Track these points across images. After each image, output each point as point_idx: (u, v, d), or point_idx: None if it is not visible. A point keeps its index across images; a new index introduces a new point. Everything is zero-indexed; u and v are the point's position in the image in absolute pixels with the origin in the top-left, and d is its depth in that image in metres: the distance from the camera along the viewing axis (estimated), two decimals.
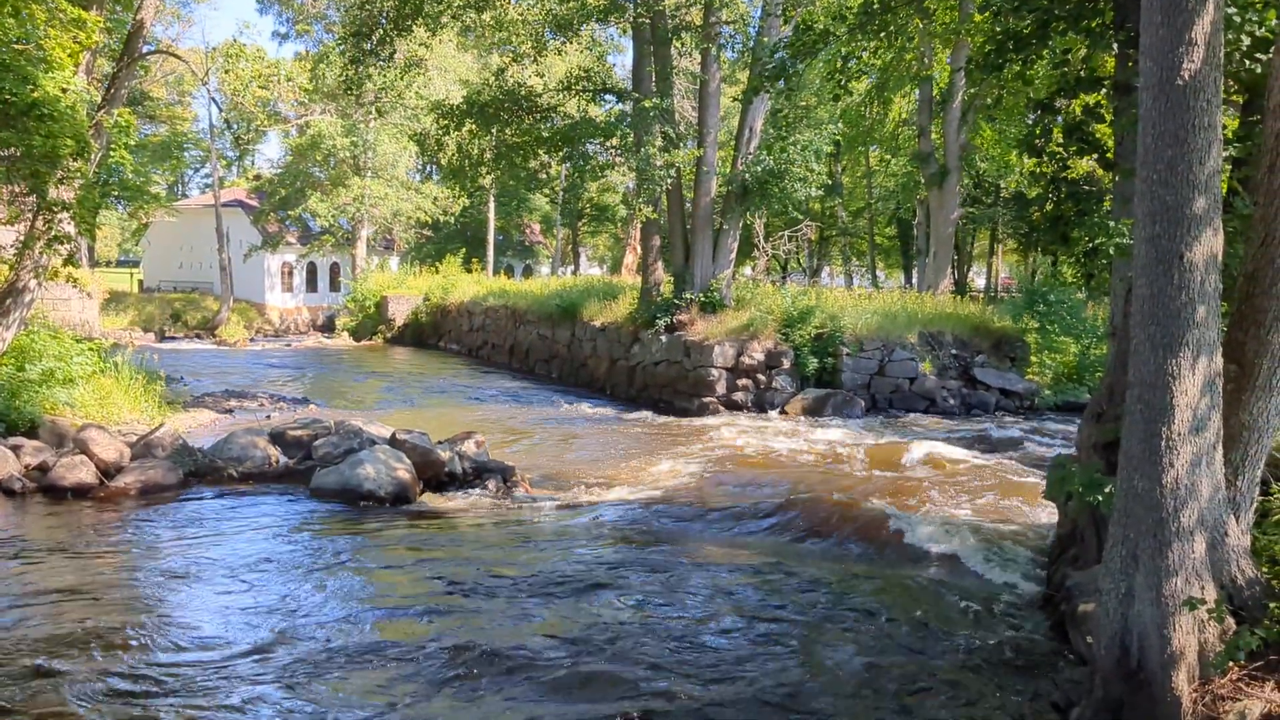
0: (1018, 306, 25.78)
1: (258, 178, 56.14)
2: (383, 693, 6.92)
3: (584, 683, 7.16)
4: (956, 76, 29.47)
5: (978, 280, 61.39)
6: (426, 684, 7.09)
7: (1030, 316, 24.47)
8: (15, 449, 13.48)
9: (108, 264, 77.11)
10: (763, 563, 10.37)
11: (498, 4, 23.02)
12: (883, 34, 13.38)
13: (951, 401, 22.33)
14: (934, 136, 32.75)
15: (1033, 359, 23.33)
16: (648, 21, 22.80)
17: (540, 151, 24.47)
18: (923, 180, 34.64)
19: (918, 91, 34.53)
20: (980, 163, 36.82)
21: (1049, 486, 8.69)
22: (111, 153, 17.66)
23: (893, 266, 62.11)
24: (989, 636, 8.28)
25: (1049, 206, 9.47)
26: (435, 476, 13.71)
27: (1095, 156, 9.29)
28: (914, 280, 46.74)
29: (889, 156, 46.00)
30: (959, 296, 30.69)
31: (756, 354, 22.15)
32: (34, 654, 7.43)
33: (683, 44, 23.81)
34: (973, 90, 29.56)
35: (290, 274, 52.18)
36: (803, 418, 20.79)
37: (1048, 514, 11.30)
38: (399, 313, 43.50)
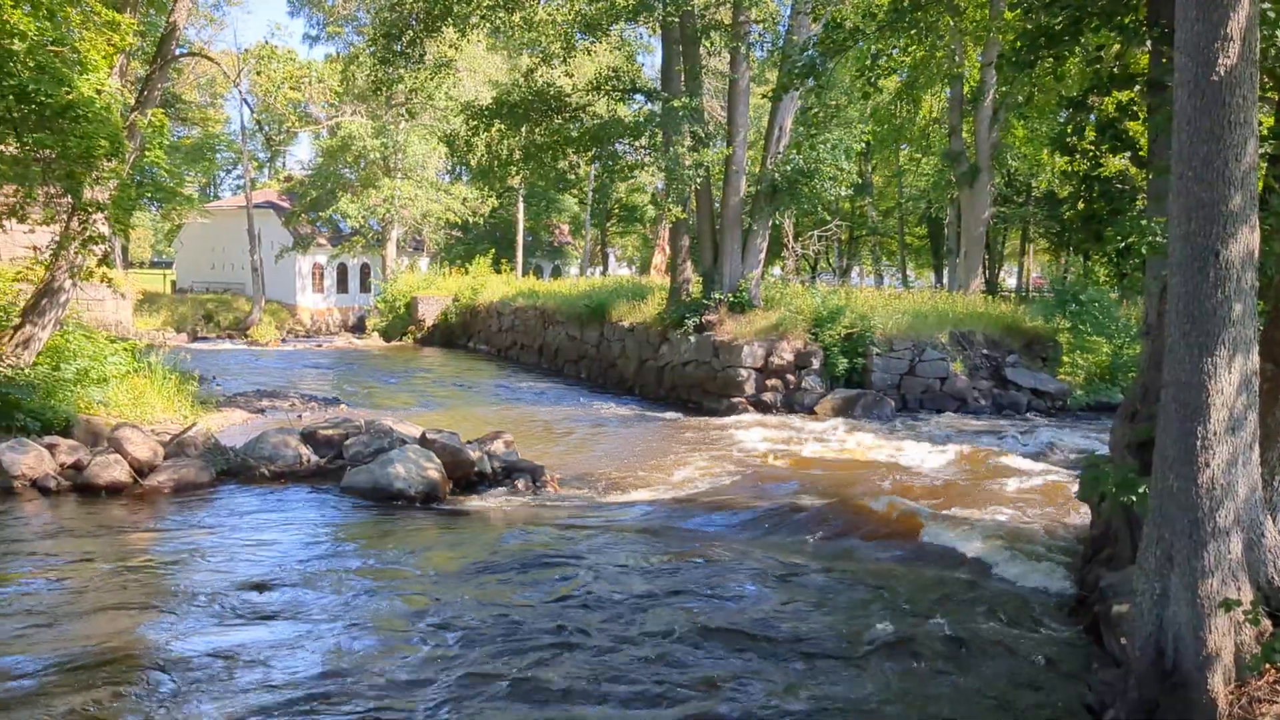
0: (1050, 306, 25.58)
1: (289, 179, 56.55)
2: (416, 687, 6.94)
3: (617, 682, 7.16)
4: (987, 74, 29.31)
5: (1009, 280, 61.01)
6: (461, 679, 7.10)
7: (1062, 316, 24.27)
8: (51, 448, 13.63)
9: (141, 265, 77.96)
10: (792, 563, 10.33)
11: (527, 4, 23.06)
12: (913, 31, 13.32)
13: (983, 402, 22.18)
14: (965, 135, 32.57)
15: (1065, 359, 23.14)
16: (677, 21, 22.78)
17: (569, 151, 24.50)
18: (954, 179, 34.45)
19: (948, 90, 34.37)
20: (1012, 161, 36.58)
21: (1082, 487, 8.61)
22: (145, 154, 17.83)
23: (923, 266, 61.84)
24: (1021, 638, 8.21)
25: (1081, 205, 9.38)
26: (465, 476, 13.75)
27: (1128, 154, 9.20)
28: (945, 280, 46.47)
29: (919, 155, 45.79)
30: (990, 296, 30.51)
31: (785, 354, 22.08)
32: (69, 649, 7.51)
33: (712, 43, 23.77)
34: (1004, 88, 29.39)
35: (321, 275, 52.54)
36: (832, 418, 20.70)
37: (1081, 515, 11.20)
38: (429, 313, 43.70)
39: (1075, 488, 10.39)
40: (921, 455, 16.17)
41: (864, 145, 35.67)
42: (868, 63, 13.70)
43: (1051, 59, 9.57)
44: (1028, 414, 21.95)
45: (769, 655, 7.73)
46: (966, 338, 23.15)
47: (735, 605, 8.86)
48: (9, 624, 8.02)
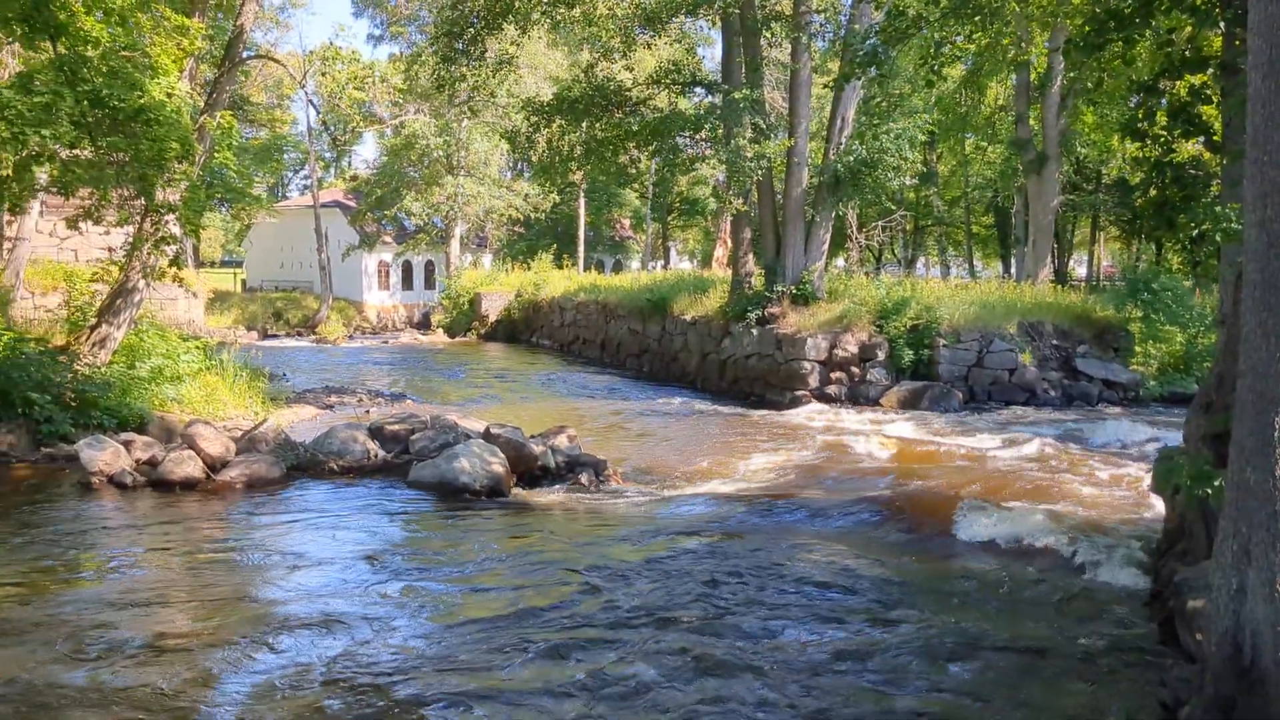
0: (1121, 295, 25.07)
1: (354, 178, 57.31)
2: (483, 677, 7.00)
3: (667, 680, 7.16)
4: (1055, 59, 28.79)
5: (1079, 269, 59.94)
6: (530, 671, 7.15)
7: (1134, 305, 23.78)
8: (127, 444, 13.95)
9: (212, 264, 79.43)
10: (860, 556, 10.25)
11: (587, 0, 23.12)
12: (977, 18, 13.13)
13: (1052, 393, 21.82)
14: (1032, 122, 32.06)
15: (1137, 349, 22.68)
16: (737, 12, 22.69)
17: (630, 146, 24.53)
18: (1021, 167, 33.94)
19: (1014, 76, 33.82)
20: (1081, 148, 35.95)
21: (1156, 479, 8.44)
22: (215, 155, 18.16)
23: (990, 256, 60.98)
24: (1094, 633, 8.07)
25: (1153, 192, 9.18)
26: (528, 470, 13.83)
27: (1201, 139, 8.99)
28: (1012, 270, 45.81)
29: (985, 144, 45.15)
30: (1059, 286, 30.01)
31: (850, 346, 21.91)
32: (152, 636, 7.69)
33: (773, 34, 23.62)
34: (1072, 74, 28.86)
35: (387, 272, 53.16)
36: (898, 410, 20.50)
37: (1155, 508, 10.98)
38: (492, 309, 44.00)
39: (1149, 480, 10.18)
40: (990, 448, 15.95)
41: (928, 134, 35.28)
42: (931, 50, 13.52)
43: (1121, 43, 9.35)
44: (1099, 405, 21.57)
45: (838, 654, 7.68)
46: (1035, 328, 22.78)
47: (805, 604, 8.80)
48: (95, 612, 8.22)
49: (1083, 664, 7.49)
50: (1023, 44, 29.35)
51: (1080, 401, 21.70)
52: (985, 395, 21.68)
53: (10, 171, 14.78)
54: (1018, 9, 15.11)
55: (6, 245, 27.27)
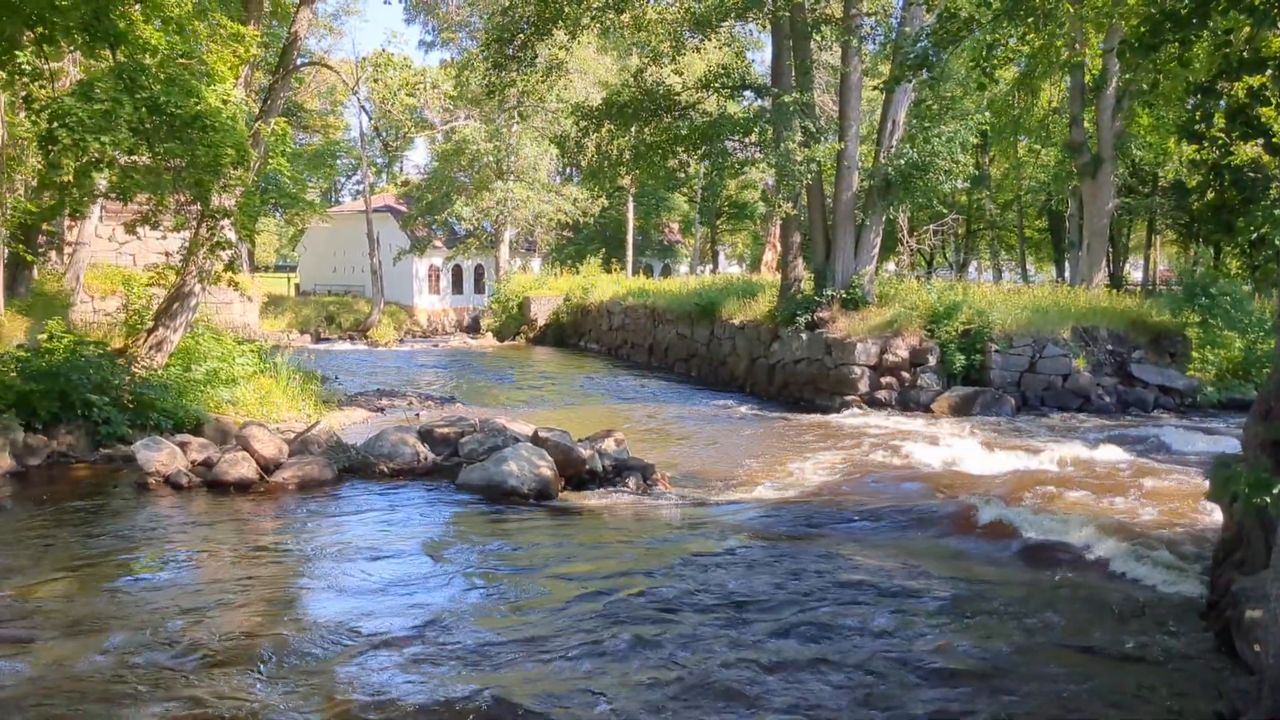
0: (1177, 300, 24.67)
1: (406, 183, 57.82)
2: (530, 681, 7.02)
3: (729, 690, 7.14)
4: (1110, 61, 28.39)
5: (1134, 273, 59.02)
6: (577, 672, 7.17)
7: (1191, 310, 23.39)
8: (183, 445, 14.18)
9: (266, 269, 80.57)
10: (914, 563, 10.16)
11: (637, 4, 23.17)
12: (1030, 19, 12.96)
13: (1107, 399, 21.51)
14: (1086, 124, 31.63)
15: (1194, 354, 22.30)
16: (787, 16, 22.63)
17: (679, 150, 24.54)
18: (1075, 170, 33.49)
19: (1068, 78, 33.39)
20: (1136, 151, 35.35)
21: (1213, 487, 8.28)
22: (269, 161, 18.40)
23: (1044, 260, 60.22)
24: (1149, 643, 7.95)
25: (1211, 195, 9.01)
26: (576, 474, 13.85)
27: (1260, 141, 8.80)
28: (1066, 274, 45.22)
29: (1039, 146, 44.60)
30: (1114, 290, 29.56)
31: (900, 351, 21.75)
32: (209, 635, 7.80)
33: (823, 37, 23.53)
34: (1127, 75, 28.45)
35: (437, 276, 53.61)
36: (949, 416, 20.31)
37: (1212, 516, 10.78)
38: (541, 313, 44.20)
39: (1206, 488, 10.00)
40: (1043, 454, 15.74)
41: (980, 137, 34.93)
42: (983, 53, 13.36)
43: (1178, 43, 9.19)
44: (1155, 412, 21.23)
45: (887, 659, 7.62)
46: (1090, 333, 22.47)
47: (860, 609, 8.72)
48: (152, 609, 8.36)
49: (1138, 673, 7.38)
50: (1077, 45, 29.00)
51: (1135, 408, 21.38)
52: (1038, 401, 21.42)
53: (71, 177, 15.08)
54: (1072, 10, 14.94)
55: (67, 250, 27.86)
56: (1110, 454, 15.68)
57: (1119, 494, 12.70)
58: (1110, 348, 22.34)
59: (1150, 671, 7.41)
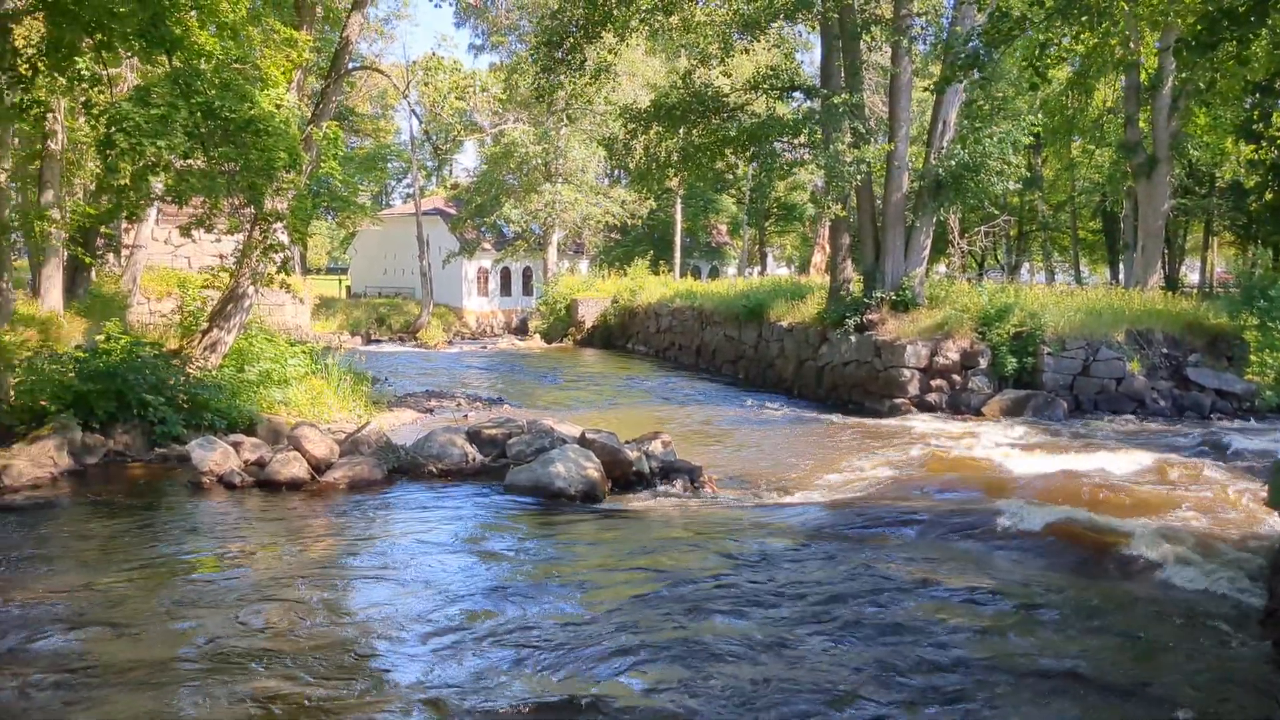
0: (1235, 302, 24.16)
1: (455, 186, 58.21)
2: (578, 679, 7.03)
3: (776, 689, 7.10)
4: (1165, 60, 27.95)
5: (1191, 275, 58.01)
6: (628, 672, 7.16)
7: (1249, 313, 22.89)
8: (236, 445, 14.38)
9: (318, 271, 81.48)
10: (962, 569, 10.05)
11: (685, 6, 23.14)
12: (1084, 18, 12.79)
13: (1162, 403, 21.15)
14: (1141, 124, 31.13)
15: (1252, 358, 21.77)
16: (836, 16, 22.51)
17: (727, 152, 24.51)
18: (1130, 171, 32.98)
19: (1123, 78, 32.91)
20: (1193, 151, 34.76)
21: (1272, 493, 8.13)
22: (321, 165, 18.60)
23: (1097, 262, 59.37)
24: (1207, 650, 7.80)
25: (1269, 195, 8.87)
26: (623, 475, 13.85)
27: None
28: (1120, 276, 44.53)
29: (1093, 147, 44.00)
30: (1170, 292, 29.05)
31: (951, 353, 21.54)
32: (265, 632, 7.90)
33: (872, 38, 23.38)
34: (1184, 74, 27.95)
35: (486, 279, 53.90)
36: (1001, 419, 20.07)
37: (1270, 523, 10.57)
38: (588, 315, 44.30)
39: (1264, 494, 9.80)
40: (1097, 458, 15.50)
41: (1033, 137, 34.52)
42: (1036, 52, 13.21)
43: (1235, 42, 9.03)
44: (1211, 416, 20.85)
45: (934, 669, 7.54)
46: (1144, 336, 22.11)
47: (903, 615, 8.64)
48: (208, 605, 8.48)
49: (1194, 680, 7.24)
50: (1132, 44, 28.60)
51: (1191, 412, 21.00)
52: (1091, 405, 21.11)
53: (128, 181, 15.34)
54: (1127, 8, 14.71)
55: (125, 252, 28.36)
56: (1165, 458, 15.40)
57: (1175, 499, 12.48)
58: (1166, 351, 21.97)
59: (1207, 678, 7.28)
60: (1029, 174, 43.32)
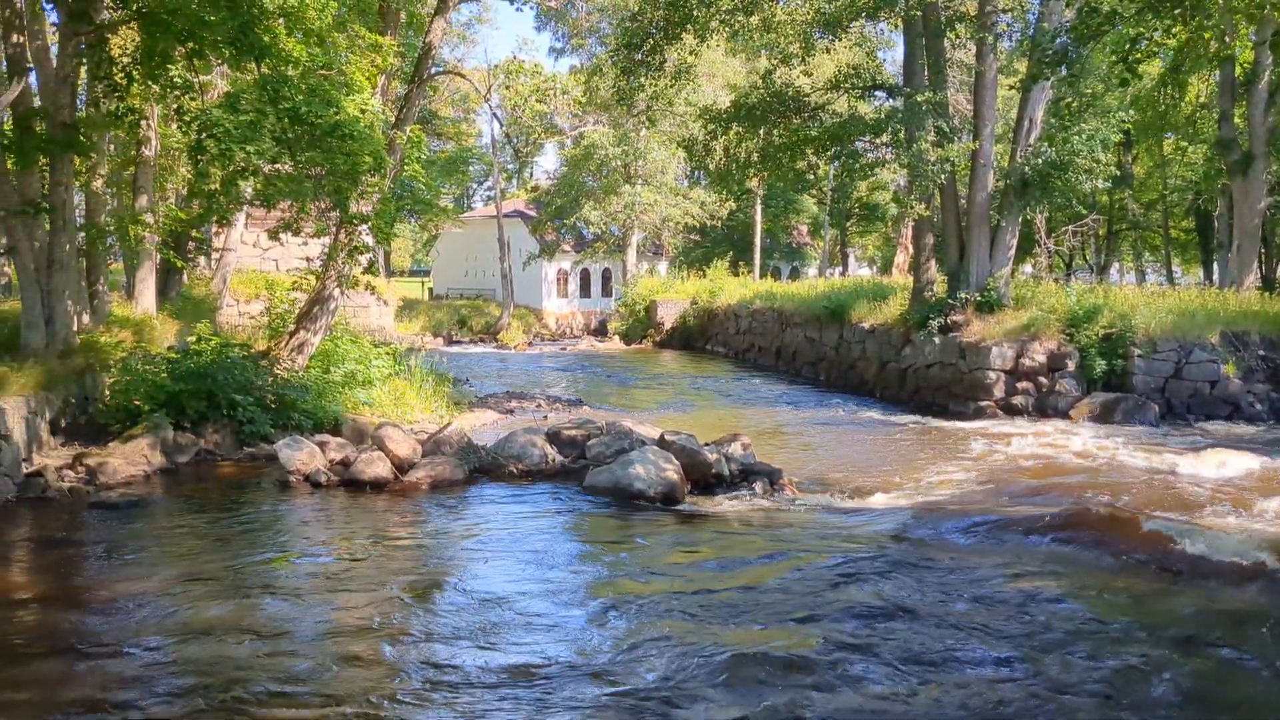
0: None
1: (535, 189, 58.68)
2: (657, 688, 7.01)
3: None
4: (1262, 53, 27.10)
5: None
6: (713, 679, 7.12)
7: None
8: (322, 445, 14.62)
9: (401, 273, 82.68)
10: (1053, 578, 9.74)
11: (766, 6, 23.01)
12: (1177, 11, 12.44)
13: (1259, 407, 20.46)
14: (1237, 120, 30.21)
15: None
16: (919, 14, 22.19)
17: (808, 152, 24.30)
18: (1224, 168, 32.03)
19: (1218, 72, 31.97)
20: None
21: None
22: (405, 168, 18.86)
23: (1190, 262, 57.77)
24: None
25: None
26: (702, 478, 13.78)
27: None
28: (1214, 276, 43.28)
29: (1186, 143, 42.84)
30: (1267, 293, 28.14)
31: (1038, 355, 21.10)
32: (355, 630, 8.03)
33: (957, 35, 23.00)
34: None
35: (565, 280, 54.24)
36: (1089, 423, 19.60)
37: None
38: (667, 316, 44.30)
39: None
40: (1190, 463, 15.05)
41: (1123, 134, 33.72)
42: (1126, 47, 12.90)
43: None
44: None
45: (1030, 674, 7.37)
46: (1240, 338, 21.41)
47: (1009, 624, 8.39)
48: (296, 602, 8.65)
49: None
50: (1227, 37, 27.76)
51: None
52: (1184, 409, 20.51)
53: (219, 186, 15.71)
54: (1221, 1, 14.28)
55: (215, 256, 29.06)
56: (1264, 464, 14.92)
57: (1273, 506, 12.07)
58: (1262, 353, 21.24)
59: None
60: (1119, 172, 42.28)
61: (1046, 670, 7.36)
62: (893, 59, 57.00)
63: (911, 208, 23.63)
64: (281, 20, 14.56)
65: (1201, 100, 38.89)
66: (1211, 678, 7.37)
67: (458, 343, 45.76)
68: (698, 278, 46.43)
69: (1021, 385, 21.14)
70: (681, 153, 38.04)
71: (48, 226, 15.61)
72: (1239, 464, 14.87)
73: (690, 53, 24.18)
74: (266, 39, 13.98)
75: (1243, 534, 10.69)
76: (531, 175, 73.86)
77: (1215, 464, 14.91)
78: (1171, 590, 9.45)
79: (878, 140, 23.50)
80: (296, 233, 17.72)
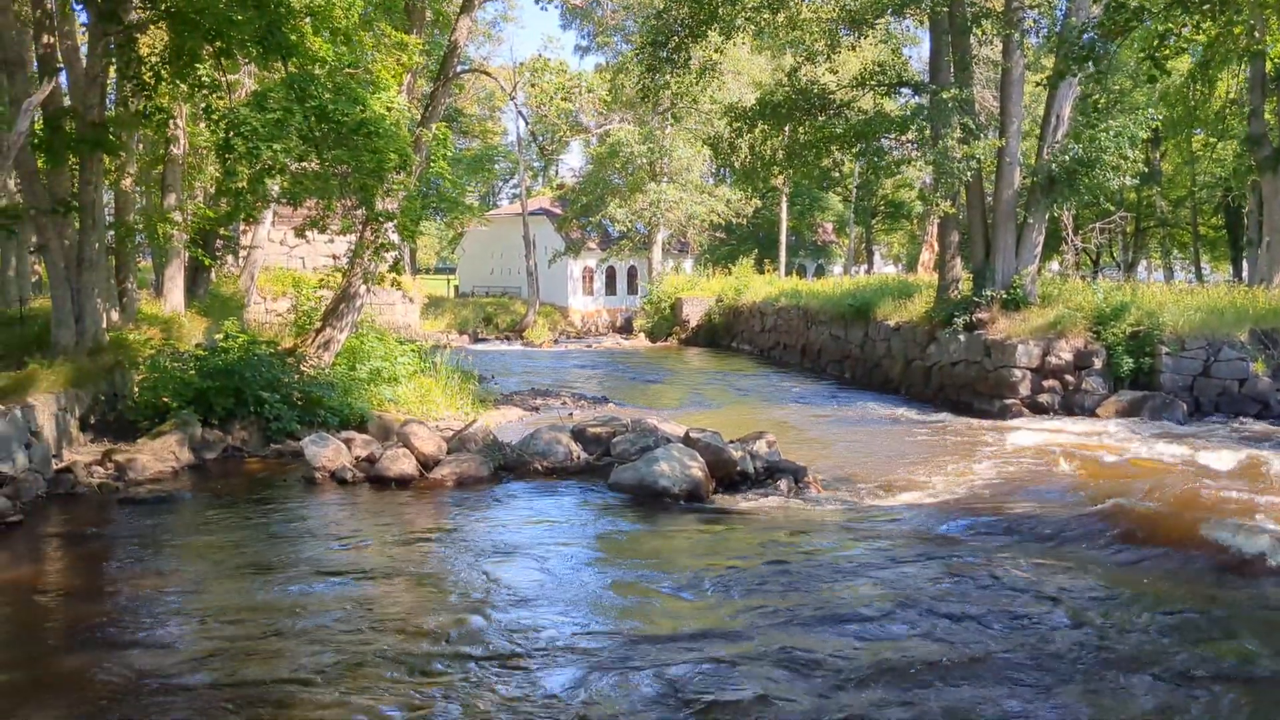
0: None
1: (561, 186, 58.74)
2: (685, 684, 7.02)
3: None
4: None
5: None
6: (738, 677, 7.13)
7: None
8: (347, 442, 14.72)
9: (427, 271, 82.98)
10: (1084, 578, 9.66)
11: (791, 4, 22.95)
12: (1205, 6, 12.34)
13: None
14: (1267, 116, 29.96)
15: None
16: (945, 10, 22.08)
17: (833, 149, 24.23)
18: (1255, 164, 31.74)
19: (1247, 68, 31.68)
20: None
21: None
22: (430, 166, 18.93)
23: (1219, 259, 57.27)
24: None
25: None
26: (727, 475, 13.78)
27: None
28: (1244, 273, 42.89)
29: (1215, 140, 42.47)
30: None
31: (1064, 353, 20.96)
32: (365, 630, 8.07)
33: (983, 31, 22.87)
34: None
35: (591, 278, 54.30)
36: (1116, 421, 19.44)
37: None
38: (692, 314, 44.28)
39: None
40: (1220, 462, 14.90)
41: (1151, 131, 33.48)
42: (1154, 43, 12.80)
43: None
44: None
45: (1064, 684, 7.35)
46: (1270, 336, 21.19)
47: (1028, 629, 8.30)
48: (321, 597, 8.72)
49: None
50: (1257, 33, 27.49)
51: None
52: (1212, 407, 20.32)
53: (246, 184, 15.84)
54: None
55: (242, 253, 29.27)
56: None
57: None
58: None
59: None
60: (1147, 169, 41.98)
61: (1101, 670, 7.33)
62: (918, 56, 56.73)
63: (937, 205, 23.52)
64: (308, 19, 14.67)
65: (1231, 96, 38.55)
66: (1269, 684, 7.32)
67: (483, 340, 45.89)
68: (723, 275, 46.39)
69: (1048, 383, 21.01)
70: (707, 150, 38.13)
71: (77, 225, 15.78)
72: (1266, 462, 14.70)
73: (715, 50, 24.16)
74: (293, 38, 14.08)
75: (1269, 531, 10.58)
76: (557, 173, 73.85)
77: (1248, 462, 14.77)
78: (1222, 592, 9.34)
79: (903, 138, 23.42)
80: (323, 230, 17.85)
